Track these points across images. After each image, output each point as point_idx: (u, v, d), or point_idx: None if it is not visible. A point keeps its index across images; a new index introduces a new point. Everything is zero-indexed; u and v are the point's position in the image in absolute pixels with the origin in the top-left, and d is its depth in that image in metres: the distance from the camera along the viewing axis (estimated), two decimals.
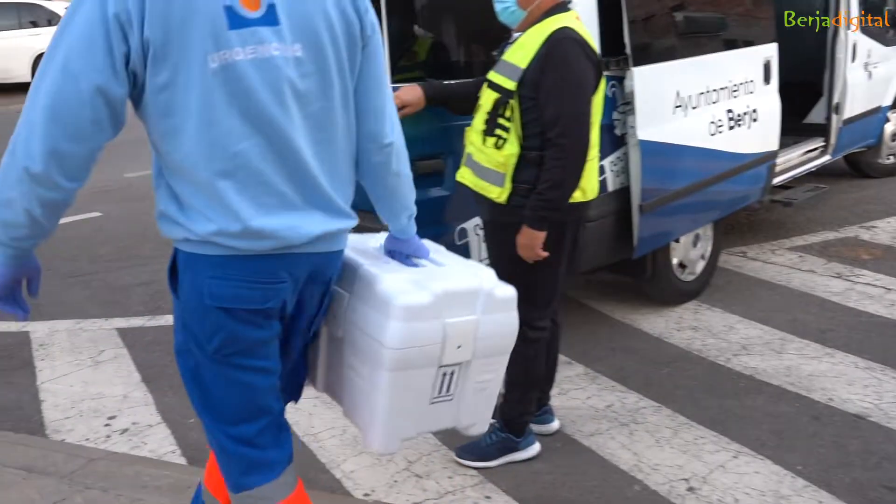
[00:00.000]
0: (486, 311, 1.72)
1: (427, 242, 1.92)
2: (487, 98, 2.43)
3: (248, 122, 1.42)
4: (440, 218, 3.04)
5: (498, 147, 2.39)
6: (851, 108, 5.25)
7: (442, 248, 1.97)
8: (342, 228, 1.61)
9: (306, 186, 1.52)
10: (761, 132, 4.13)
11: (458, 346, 1.69)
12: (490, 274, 1.81)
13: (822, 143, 5.22)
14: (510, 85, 2.35)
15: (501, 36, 2.64)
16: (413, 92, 2.73)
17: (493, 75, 2.44)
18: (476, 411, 1.82)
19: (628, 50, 3.24)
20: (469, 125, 2.64)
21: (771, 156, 4.29)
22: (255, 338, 1.53)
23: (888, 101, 5.83)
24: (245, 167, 1.44)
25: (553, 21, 2.36)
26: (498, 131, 2.39)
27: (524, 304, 2.51)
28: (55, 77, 1.33)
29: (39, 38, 12.47)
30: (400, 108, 2.72)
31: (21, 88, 11.96)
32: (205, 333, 1.50)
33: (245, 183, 1.45)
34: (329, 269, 1.65)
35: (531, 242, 2.37)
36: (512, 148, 2.37)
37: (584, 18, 2.52)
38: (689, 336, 3.72)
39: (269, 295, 1.51)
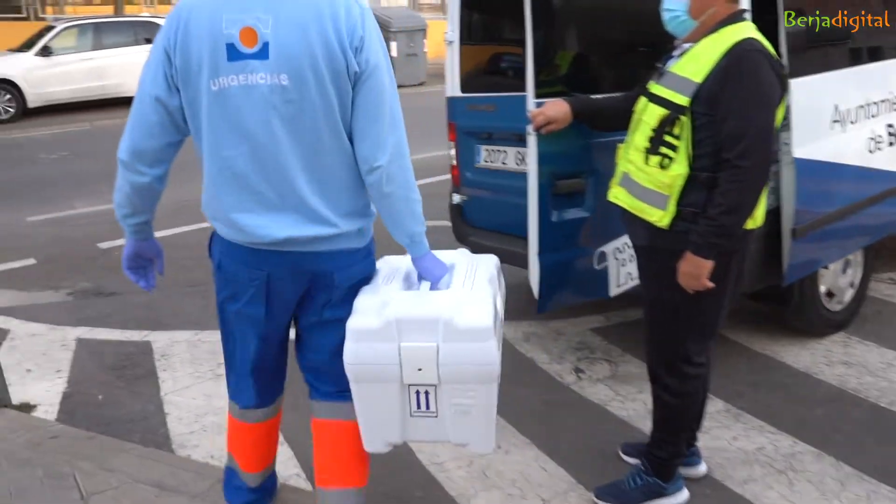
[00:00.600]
0: (447, 339, 1.82)
1: (467, 259, 2.13)
2: (651, 114, 2.24)
3: (237, 134, 1.82)
4: (578, 240, 2.86)
5: (663, 167, 2.20)
6: None
7: (479, 265, 2.09)
8: (319, 234, 1.90)
9: (285, 191, 1.86)
10: None
11: (419, 369, 1.85)
12: (469, 305, 1.86)
13: None
14: (682, 100, 2.15)
15: (655, 45, 2.46)
16: (559, 107, 2.57)
17: (658, 89, 2.25)
18: (464, 432, 1.95)
19: (785, 60, 2.98)
20: (618, 141, 2.46)
21: None
22: (242, 306, 2.01)
23: None
24: (231, 169, 1.85)
25: (733, 31, 2.15)
26: (664, 150, 2.20)
27: (682, 338, 2.33)
28: (137, 93, 1.89)
29: None
30: (546, 124, 2.58)
31: None
32: (217, 288, 2.08)
33: (231, 182, 1.87)
34: (316, 266, 1.96)
35: (697, 271, 2.16)
36: (679, 168, 2.17)
37: None
38: (841, 373, 3.39)
39: (252, 276, 1.96)
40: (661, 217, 2.23)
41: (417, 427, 1.95)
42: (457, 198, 4.40)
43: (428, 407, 1.91)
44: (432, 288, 1.99)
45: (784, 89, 2.16)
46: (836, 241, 3.43)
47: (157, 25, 13.75)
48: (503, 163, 4.09)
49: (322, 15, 1.75)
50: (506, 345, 2.59)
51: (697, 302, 2.25)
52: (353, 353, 1.88)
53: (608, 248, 2.89)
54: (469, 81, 4.19)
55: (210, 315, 4.56)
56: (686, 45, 2.25)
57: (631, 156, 2.32)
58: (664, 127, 2.18)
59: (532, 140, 2.62)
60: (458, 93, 4.23)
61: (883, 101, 3.48)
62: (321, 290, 2.00)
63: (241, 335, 2.07)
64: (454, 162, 4.42)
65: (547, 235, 2.69)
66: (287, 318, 2.07)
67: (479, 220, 4.32)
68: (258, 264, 1.93)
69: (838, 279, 3.70)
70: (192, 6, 1.77)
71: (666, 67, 2.29)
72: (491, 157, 4.17)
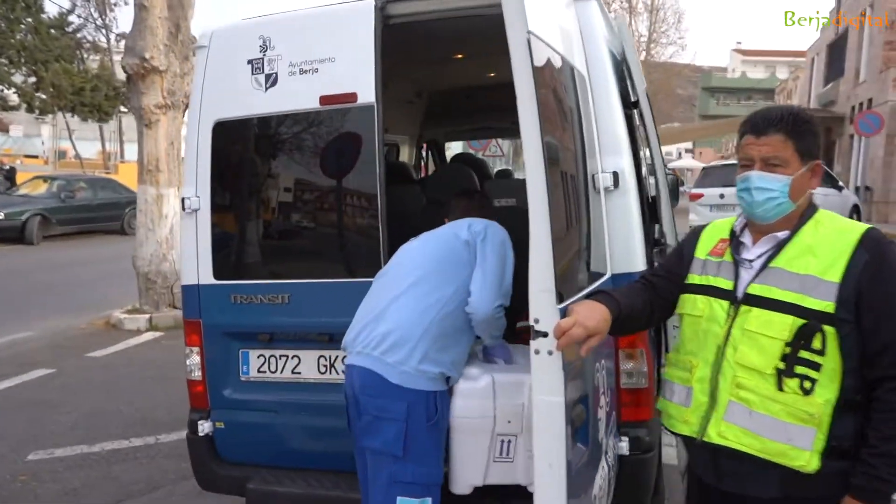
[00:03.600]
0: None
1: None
2: (772, 324, 1.69)
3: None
4: (582, 487, 2.05)
5: (806, 392, 1.65)
6: None
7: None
8: (365, 340, 2.44)
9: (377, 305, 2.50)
10: None
11: (509, 422, 2.34)
12: None
13: None
14: (824, 306, 1.65)
15: None
16: (598, 313, 1.80)
17: (768, 290, 1.72)
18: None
19: None
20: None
21: None
22: None
23: None
24: None
25: (833, 217, 1.79)
26: (802, 370, 1.65)
27: None
28: None
29: None
30: (585, 338, 1.81)
31: None
32: None
33: None
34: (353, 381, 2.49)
35: None
36: (828, 392, 1.65)
37: None
38: None
39: None
40: (808, 459, 1.65)
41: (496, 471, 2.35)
42: (205, 426, 3.05)
43: (507, 454, 2.32)
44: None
45: None
46: None
47: None
48: (294, 372, 2.98)
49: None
50: None
51: None
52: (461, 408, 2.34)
53: (596, 488, 2.15)
54: (226, 264, 3.02)
55: None
56: (780, 235, 1.79)
57: (743, 380, 1.71)
58: (800, 340, 1.66)
59: (551, 362, 1.79)
60: (210, 279, 3.01)
61: None
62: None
63: None
64: (196, 375, 3.08)
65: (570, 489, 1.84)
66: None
67: (248, 455, 3.03)
68: None
69: None
70: None
71: (756, 261, 1.79)
72: (271, 365, 3.00)
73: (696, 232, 2.00)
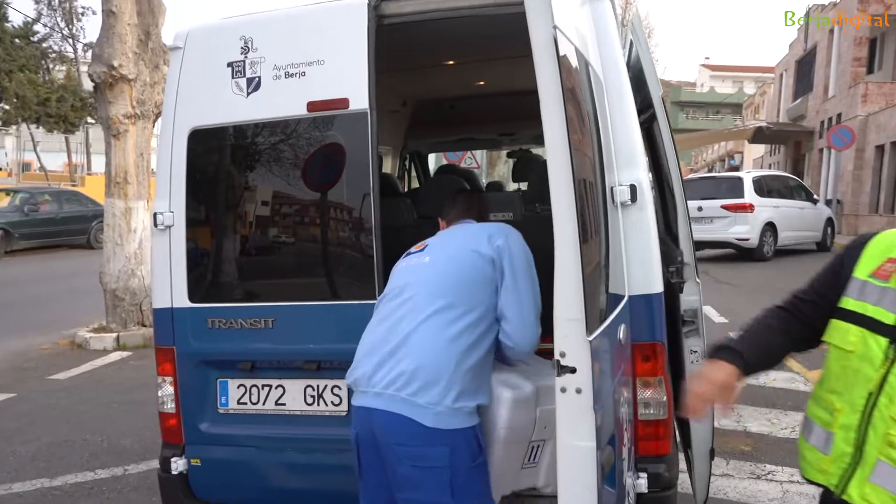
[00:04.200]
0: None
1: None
2: None
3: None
4: None
5: None
6: None
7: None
8: (379, 378, 2.17)
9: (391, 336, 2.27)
10: None
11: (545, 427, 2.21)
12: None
13: None
14: None
15: None
16: (720, 373, 1.59)
17: None
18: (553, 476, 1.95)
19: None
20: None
21: None
22: None
23: None
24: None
25: None
26: None
27: None
28: None
29: None
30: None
31: None
32: None
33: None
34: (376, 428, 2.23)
35: None
36: None
37: None
38: None
39: None
40: None
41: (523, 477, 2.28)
42: (179, 464, 2.78)
43: (535, 459, 2.27)
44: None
45: None
46: None
47: None
48: (278, 404, 2.72)
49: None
50: None
51: None
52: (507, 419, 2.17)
53: None
54: (203, 285, 2.76)
55: None
56: None
57: None
58: None
59: (580, 402, 1.55)
60: (184, 302, 2.74)
61: None
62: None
63: None
64: (169, 407, 2.81)
65: None
66: None
67: (227, 495, 2.76)
68: None
69: None
70: None
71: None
72: (253, 396, 2.74)
73: (859, 244, 1.67)
